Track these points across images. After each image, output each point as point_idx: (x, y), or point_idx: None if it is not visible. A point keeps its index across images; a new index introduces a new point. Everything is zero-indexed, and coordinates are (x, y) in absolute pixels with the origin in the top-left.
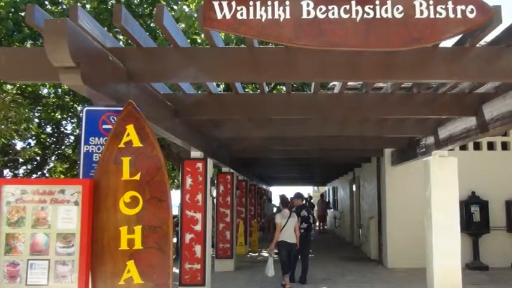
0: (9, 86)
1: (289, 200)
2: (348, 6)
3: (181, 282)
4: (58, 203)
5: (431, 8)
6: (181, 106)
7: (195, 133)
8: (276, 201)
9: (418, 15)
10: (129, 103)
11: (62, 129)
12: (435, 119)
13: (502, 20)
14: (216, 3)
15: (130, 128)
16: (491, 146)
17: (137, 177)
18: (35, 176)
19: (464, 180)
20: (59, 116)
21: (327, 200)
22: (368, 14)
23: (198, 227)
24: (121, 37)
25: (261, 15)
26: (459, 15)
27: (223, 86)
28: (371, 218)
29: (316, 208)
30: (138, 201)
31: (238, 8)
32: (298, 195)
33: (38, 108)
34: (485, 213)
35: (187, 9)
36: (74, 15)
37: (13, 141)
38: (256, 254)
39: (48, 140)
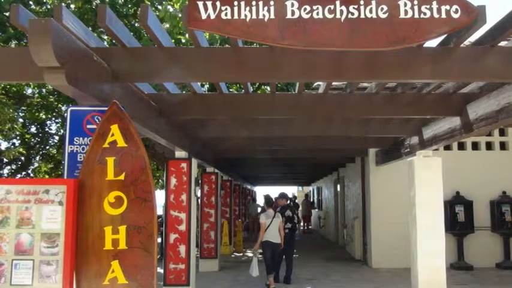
0: None
1: (274, 200)
2: (332, 6)
3: (165, 282)
4: (42, 203)
5: (416, 8)
6: (165, 106)
7: (179, 133)
8: (260, 201)
9: (402, 15)
10: (114, 103)
11: (47, 129)
12: (419, 119)
13: (487, 20)
14: (200, 3)
15: (114, 128)
16: (475, 146)
17: (122, 177)
18: (19, 176)
19: (449, 180)
20: (44, 116)
21: (312, 200)
22: (352, 14)
23: (183, 227)
24: (105, 37)
25: (246, 15)
26: (443, 15)
27: (208, 85)
28: (355, 218)
29: (300, 208)
30: (122, 201)
31: (223, 8)
32: (283, 195)
33: (23, 108)
34: (469, 213)
35: (171, 9)
36: (58, 15)
37: None
38: (241, 254)
39: (32, 140)
